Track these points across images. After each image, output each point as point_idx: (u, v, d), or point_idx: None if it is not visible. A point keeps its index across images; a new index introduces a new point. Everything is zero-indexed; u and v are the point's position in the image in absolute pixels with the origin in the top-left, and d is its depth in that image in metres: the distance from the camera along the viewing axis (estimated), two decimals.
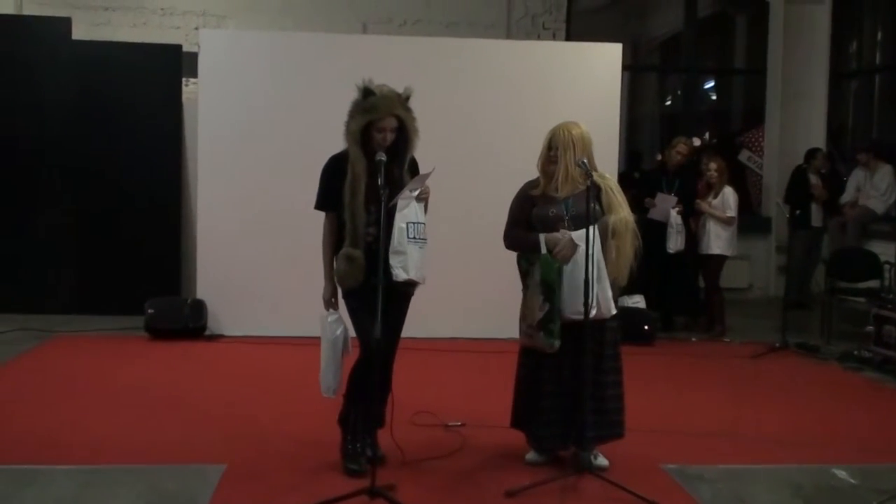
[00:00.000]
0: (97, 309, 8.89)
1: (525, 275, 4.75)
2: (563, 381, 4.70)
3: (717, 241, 8.80)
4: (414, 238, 4.45)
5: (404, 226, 4.43)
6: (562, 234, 4.65)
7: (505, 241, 4.91)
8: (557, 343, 4.58)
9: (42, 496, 4.30)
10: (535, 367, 4.75)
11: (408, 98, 4.56)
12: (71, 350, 7.61)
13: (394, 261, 4.42)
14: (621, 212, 4.75)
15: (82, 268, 9.16)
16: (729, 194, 8.87)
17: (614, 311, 4.76)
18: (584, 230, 4.57)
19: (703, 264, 9.00)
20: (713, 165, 8.96)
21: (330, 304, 4.69)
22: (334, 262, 4.62)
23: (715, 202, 8.84)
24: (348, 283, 4.52)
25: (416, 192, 4.47)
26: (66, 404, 5.89)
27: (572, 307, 4.58)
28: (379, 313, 4.18)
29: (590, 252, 4.47)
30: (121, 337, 8.11)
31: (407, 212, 4.45)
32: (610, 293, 4.71)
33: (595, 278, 4.55)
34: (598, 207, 4.68)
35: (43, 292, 9.08)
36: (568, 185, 4.73)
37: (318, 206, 4.69)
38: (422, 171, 4.66)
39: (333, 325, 4.64)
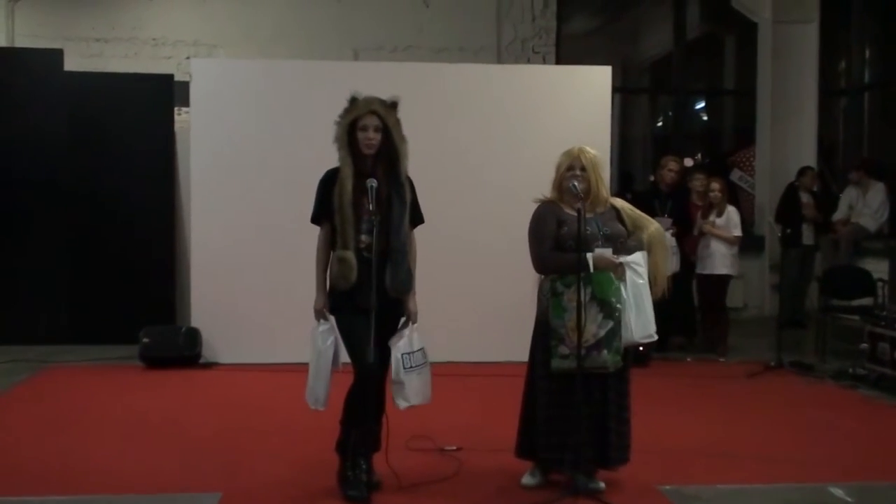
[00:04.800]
0: (91, 339, 8.88)
1: (559, 296, 4.58)
2: (594, 403, 4.60)
3: (724, 260, 8.78)
4: (411, 367, 4.59)
5: (399, 356, 4.56)
6: (610, 257, 4.61)
7: (539, 264, 4.73)
8: (621, 361, 4.56)
9: None
10: (565, 391, 4.58)
11: (394, 105, 4.62)
12: (65, 380, 7.59)
13: (394, 390, 4.60)
14: (650, 226, 4.78)
15: (76, 298, 9.16)
16: (733, 213, 8.87)
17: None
18: (638, 254, 4.62)
19: (709, 284, 8.94)
20: (716, 185, 8.94)
21: (321, 314, 4.69)
22: (327, 274, 4.64)
23: (719, 221, 8.81)
24: (340, 284, 4.52)
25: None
26: (61, 435, 5.87)
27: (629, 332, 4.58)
28: (372, 337, 4.23)
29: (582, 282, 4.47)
30: (115, 366, 8.09)
31: (400, 343, 4.59)
32: (652, 316, 4.70)
33: (634, 304, 4.58)
34: (622, 227, 4.71)
35: (37, 323, 9.08)
36: (598, 204, 4.72)
37: (313, 218, 4.73)
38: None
39: (324, 335, 4.65)
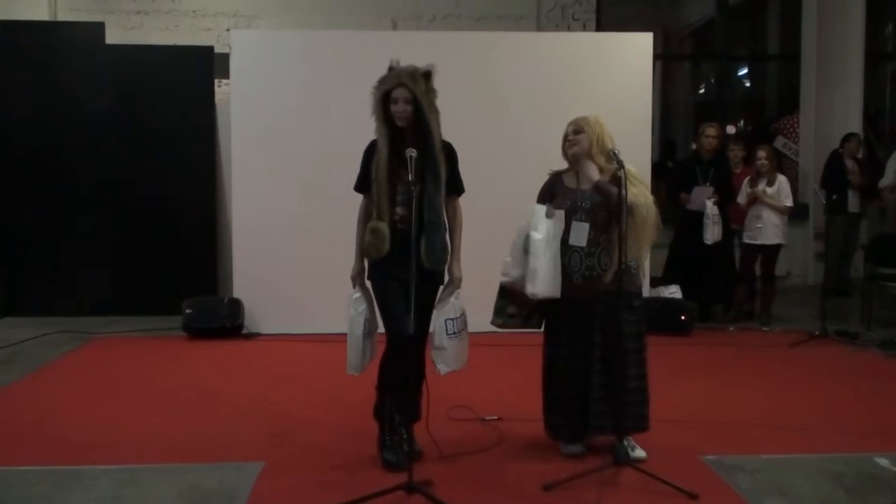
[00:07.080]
0: (135, 310, 8.98)
1: None
2: (576, 371, 4.72)
3: (775, 230, 8.68)
4: (454, 333, 4.63)
5: (443, 322, 4.61)
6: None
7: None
8: (500, 321, 4.87)
9: (84, 496, 4.34)
10: (554, 353, 4.82)
11: (426, 75, 4.58)
12: (110, 351, 7.69)
13: (435, 355, 4.65)
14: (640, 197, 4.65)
15: (120, 270, 9.26)
16: (784, 183, 8.73)
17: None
18: (536, 206, 4.80)
19: (760, 254, 8.82)
20: (762, 153, 8.78)
21: (356, 282, 4.74)
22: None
23: (770, 191, 8.68)
24: (371, 254, 4.56)
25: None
26: (106, 405, 5.96)
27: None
28: (412, 307, 4.23)
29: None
30: (159, 337, 8.19)
31: (445, 309, 4.64)
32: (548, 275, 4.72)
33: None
34: (611, 196, 4.64)
35: (82, 295, 9.19)
36: (590, 167, 4.75)
37: (356, 187, 4.76)
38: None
39: (357, 303, 4.70)
